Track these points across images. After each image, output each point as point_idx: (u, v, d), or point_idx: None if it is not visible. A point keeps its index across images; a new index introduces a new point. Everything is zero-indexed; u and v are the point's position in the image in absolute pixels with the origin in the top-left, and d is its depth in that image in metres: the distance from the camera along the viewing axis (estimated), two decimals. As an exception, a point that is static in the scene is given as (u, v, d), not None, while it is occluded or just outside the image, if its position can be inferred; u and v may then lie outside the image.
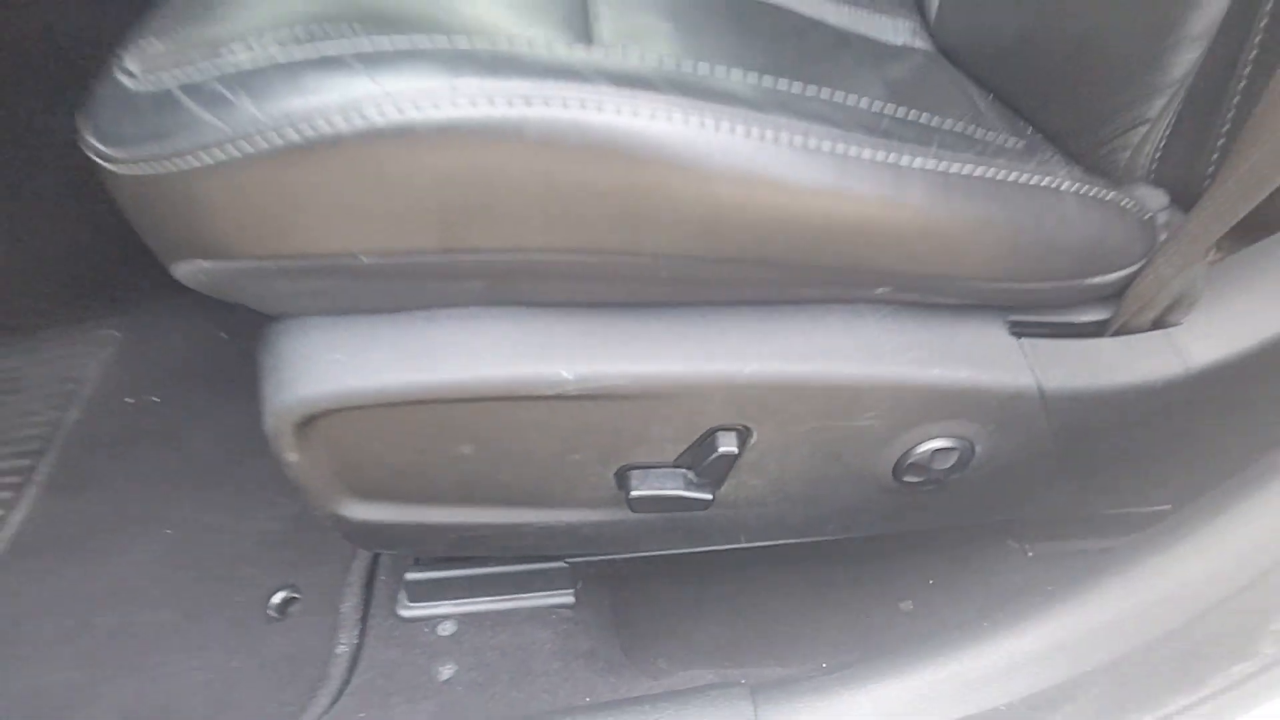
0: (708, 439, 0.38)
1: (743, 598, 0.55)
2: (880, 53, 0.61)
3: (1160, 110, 0.37)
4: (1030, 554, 0.56)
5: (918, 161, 0.33)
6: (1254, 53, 0.34)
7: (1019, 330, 0.40)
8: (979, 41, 0.53)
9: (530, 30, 0.34)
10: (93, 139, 0.30)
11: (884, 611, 0.52)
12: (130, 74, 0.30)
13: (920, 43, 0.66)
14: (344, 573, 0.54)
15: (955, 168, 0.34)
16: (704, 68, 0.33)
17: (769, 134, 0.31)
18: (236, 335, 0.74)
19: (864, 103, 0.36)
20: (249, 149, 0.28)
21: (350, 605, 0.53)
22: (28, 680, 0.51)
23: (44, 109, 0.65)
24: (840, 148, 0.32)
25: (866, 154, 0.32)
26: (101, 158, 0.30)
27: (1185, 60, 0.36)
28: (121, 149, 0.30)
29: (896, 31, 0.67)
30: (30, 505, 0.62)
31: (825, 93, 0.35)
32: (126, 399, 0.69)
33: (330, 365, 0.34)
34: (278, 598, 0.54)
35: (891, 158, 0.33)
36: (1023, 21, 0.48)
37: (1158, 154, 0.38)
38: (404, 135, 0.28)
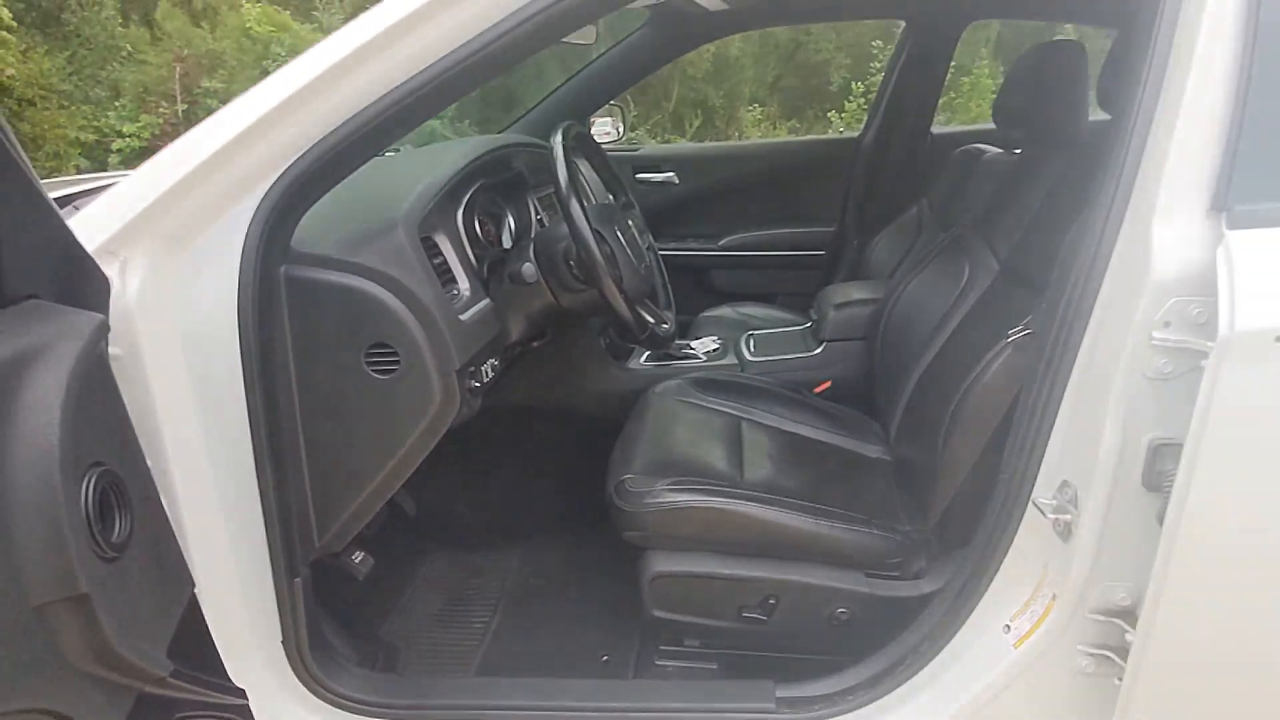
0: (769, 596, 1.26)
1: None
2: (858, 462, 1.54)
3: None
4: None
5: (825, 524, 1.23)
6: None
7: (869, 574, 1.26)
8: (900, 459, 1.46)
9: (726, 468, 1.31)
10: (617, 500, 1.27)
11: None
12: (628, 487, 1.27)
13: (886, 456, 1.58)
14: (632, 647, 1.42)
15: (839, 526, 1.24)
16: (770, 488, 1.27)
17: (786, 515, 1.23)
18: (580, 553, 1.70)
19: (822, 506, 1.28)
20: (657, 509, 1.23)
21: (632, 659, 1.39)
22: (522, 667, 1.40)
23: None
24: (806, 519, 1.24)
25: (810, 518, 1.23)
26: (615, 504, 1.26)
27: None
28: (624, 504, 1.26)
29: (873, 450, 1.60)
30: (499, 619, 1.55)
31: (810, 503, 1.27)
32: (531, 579, 1.65)
33: (660, 561, 1.27)
34: (604, 659, 1.42)
35: (819, 523, 1.23)
36: (903, 456, 1.40)
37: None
38: (693, 509, 1.23)
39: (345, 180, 1.00)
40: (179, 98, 7.25)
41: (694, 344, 1.89)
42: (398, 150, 2.03)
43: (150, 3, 8.74)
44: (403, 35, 0.90)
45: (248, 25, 7.71)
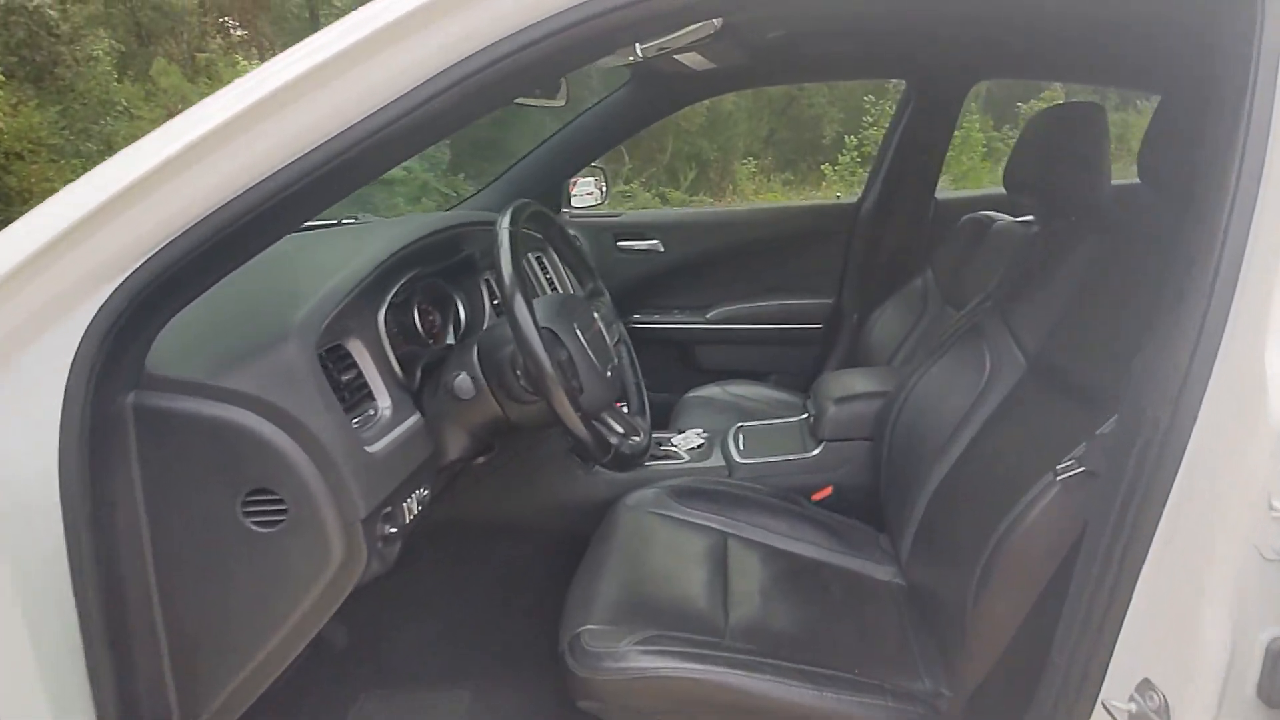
0: None
1: None
2: (866, 590, 1.30)
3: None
4: None
5: (829, 694, 0.99)
6: None
7: None
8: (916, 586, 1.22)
9: (707, 611, 1.07)
10: (570, 659, 1.02)
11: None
12: (585, 645, 1.03)
13: (898, 579, 1.35)
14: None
15: (846, 697, 1.00)
16: (761, 638, 1.03)
17: (780, 685, 0.99)
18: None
19: (824, 670, 1.03)
20: (620, 677, 0.99)
21: None
22: None
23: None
24: (805, 690, 0.99)
25: (809, 689, 0.99)
26: (569, 666, 1.02)
27: None
28: (579, 666, 1.02)
29: (883, 570, 1.37)
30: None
31: (809, 666, 1.03)
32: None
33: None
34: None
35: (821, 694, 0.99)
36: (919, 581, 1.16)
37: None
38: (664, 679, 0.98)
39: (230, 277, 0.78)
40: (169, 152, 7.15)
41: (676, 439, 1.67)
42: (346, 221, 1.84)
43: (146, 59, 8.75)
44: (300, 97, 0.70)
45: (241, 81, 7.69)
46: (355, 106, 0.71)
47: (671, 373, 2.40)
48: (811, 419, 1.61)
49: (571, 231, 2.23)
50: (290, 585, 0.84)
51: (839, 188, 9.69)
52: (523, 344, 0.95)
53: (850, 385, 1.59)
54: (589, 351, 1.07)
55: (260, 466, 0.80)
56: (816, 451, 1.56)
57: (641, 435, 1.19)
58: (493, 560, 1.55)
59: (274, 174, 0.70)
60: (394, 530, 0.92)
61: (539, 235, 1.36)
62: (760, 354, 2.41)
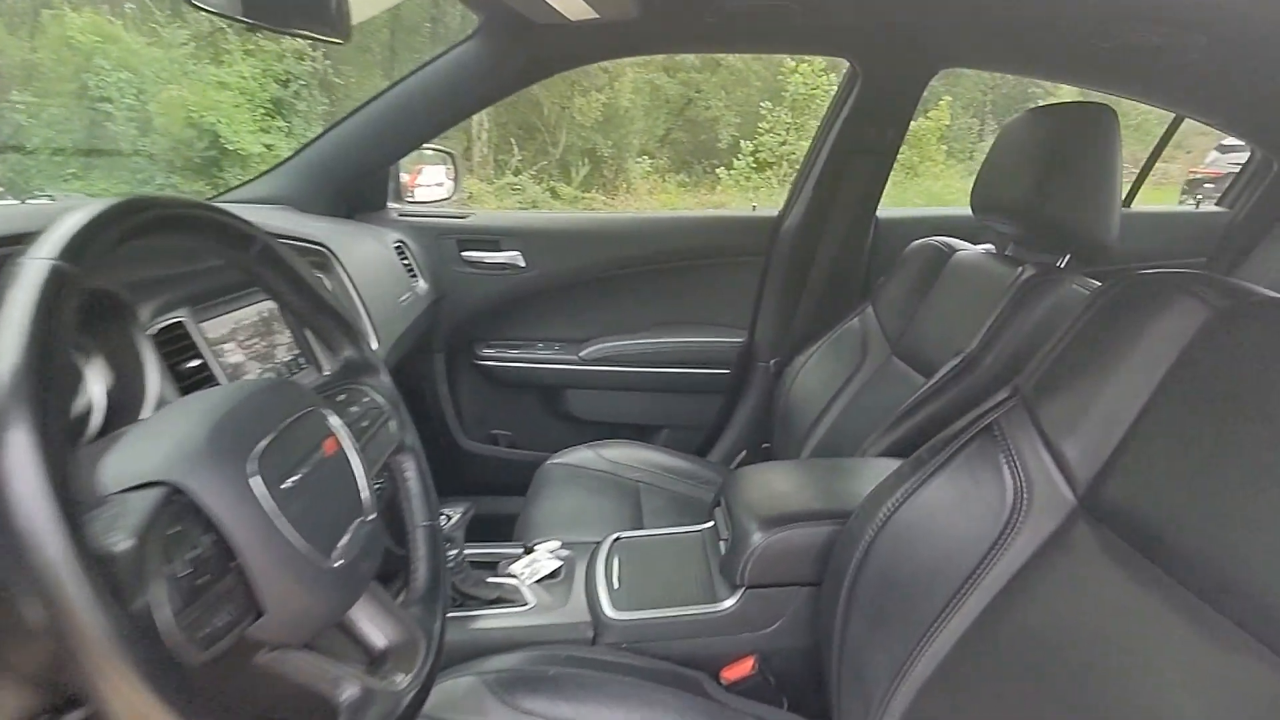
0: None
1: None
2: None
3: None
4: None
5: None
6: None
7: None
8: None
9: None
10: None
11: None
12: None
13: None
14: None
15: None
16: None
17: None
18: None
19: None
20: None
21: None
22: None
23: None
24: None
25: None
26: None
27: None
28: None
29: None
30: None
31: None
32: None
33: None
34: None
35: None
36: None
37: None
38: None
39: None
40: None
41: (518, 566, 1.09)
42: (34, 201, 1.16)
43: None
44: None
45: (69, 35, 6.77)
46: None
47: (532, 424, 1.85)
48: (724, 544, 1.06)
49: (395, 240, 1.63)
50: None
51: (734, 192, 9.53)
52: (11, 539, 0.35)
53: (784, 499, 1.04)
54: (281, 522, 0.48)
55: None
56: (731, 602, 1.01)
57: (420, 657, 0.61)
58: None
59: None
60: None
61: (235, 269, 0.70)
62: (649, 404, 1.88)
